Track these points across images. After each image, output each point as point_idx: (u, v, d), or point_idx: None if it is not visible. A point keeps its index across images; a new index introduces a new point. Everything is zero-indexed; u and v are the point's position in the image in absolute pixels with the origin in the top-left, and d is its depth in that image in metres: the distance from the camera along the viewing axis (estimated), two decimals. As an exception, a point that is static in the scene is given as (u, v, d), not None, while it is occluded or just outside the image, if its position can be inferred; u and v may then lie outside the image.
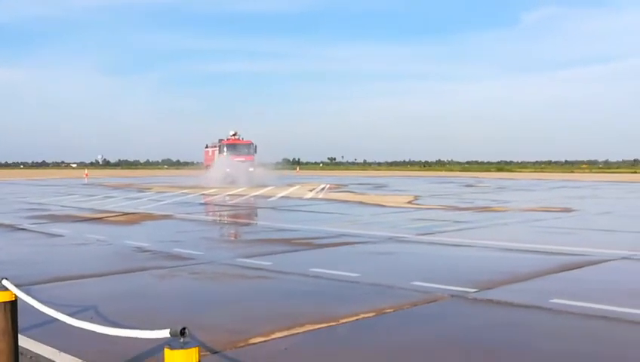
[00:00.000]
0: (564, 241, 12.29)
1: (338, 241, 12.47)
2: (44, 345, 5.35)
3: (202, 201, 26.55)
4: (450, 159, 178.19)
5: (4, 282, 4.41)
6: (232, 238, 14.28)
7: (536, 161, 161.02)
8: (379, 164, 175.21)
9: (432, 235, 13.38)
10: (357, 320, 6.27)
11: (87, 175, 66.19)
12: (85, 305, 6.81)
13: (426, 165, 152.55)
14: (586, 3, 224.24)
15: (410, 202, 24.42)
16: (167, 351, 2.94)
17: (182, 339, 2.95)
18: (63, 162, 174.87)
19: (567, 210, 19.91)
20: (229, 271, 9.17)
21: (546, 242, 12.03)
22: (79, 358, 5.01)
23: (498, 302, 7.04)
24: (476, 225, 15.64)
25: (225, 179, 40.45)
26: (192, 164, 65.38)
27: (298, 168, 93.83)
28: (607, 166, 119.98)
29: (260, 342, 5.49)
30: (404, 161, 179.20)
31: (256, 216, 20.67)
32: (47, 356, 5.10)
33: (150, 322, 5.85)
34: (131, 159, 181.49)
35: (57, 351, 5.20)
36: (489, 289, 7.71)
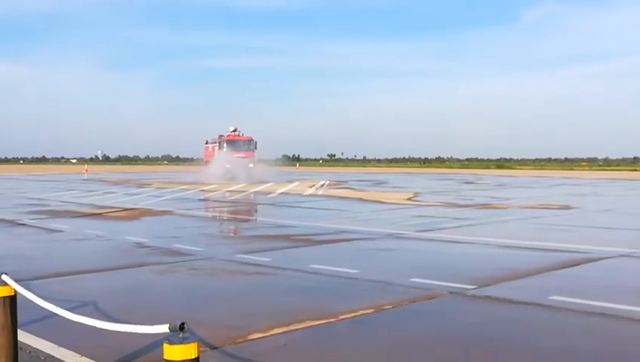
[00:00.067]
0: (564, 239, 12.30)
1: (337, 238, 12.47)
2: (44, 340, 5.35)
3: (202, 197, 26.54)
4: (449, 156, 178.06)
5: (4, 277, 4.41)
6: (232, 234, 14.28)
7: (536, 159, 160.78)
8: (378, 160, 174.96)
9: (432, 232, 13.39)
10: (356, 316, 6.28)
11: (86, 170, 66.17)
12: (85, 300, 6.82)
13: (425, 162, 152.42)
14: (586, 1, 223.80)
15: (409, 199, 24.43)
16: (166, 346, 2.94)
17: (181, 334, 2.95)
18: (62, 157, 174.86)
19: (567, 208, 19.92)
20: (228, 267, 9.17)
21: (546, 239, 12.04)
22: (78, 353, 5.02)
23: (497, 299, 7.04)
24: (476, 222, 15.64)
25: (225, 175, 40.44)
26: (192, 159, 65.41)
27: (298, 164, 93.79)
28: (607, 163, 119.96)
29: (259, 338, 5.49)
30: (403, 157, 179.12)
31: (255, 212, 20.68)
32: (46, 351, 5.10)
33: (149, 317, 5.84)
34: (131, 155, 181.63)
35: (56, 345, 5.21)
36: (488, 286, 7.71)
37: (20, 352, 4.69)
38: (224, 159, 42.72)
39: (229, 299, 7.23)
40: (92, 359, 4.89)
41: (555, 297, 7.00)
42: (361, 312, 6.40)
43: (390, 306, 6.68)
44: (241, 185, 34.35)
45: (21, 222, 15.65)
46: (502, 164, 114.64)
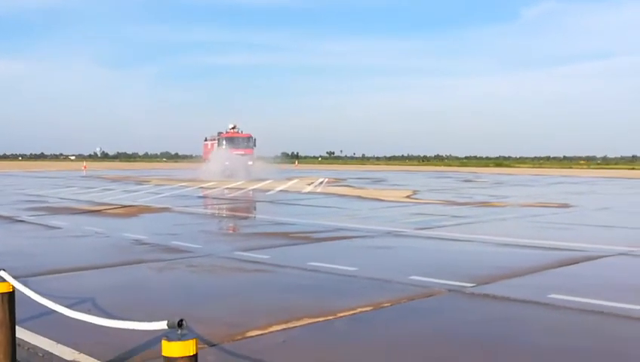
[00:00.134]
0: (562, 237, 12.31)
1: (336, 235, 12.47)
2: (42, 337, 5.35)
3: (200, 194, 26.54)
4: (448, 154, 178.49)
5: (2, 273, 4.41)
6: (230, 231, 14.27)
7: (535, 157, 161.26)
8: (377, 158, 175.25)
9: (431, 230, 13.39)
10: (354, 314, 6.28)
11: (85, 167, 66.12)
12: (83, 297, 6.81)
13: (424, 160, 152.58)
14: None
15: (408, 196, 24.43)
16: (164, 343, 2.94)
17: (179, 331, 2.95)
18: (61, 154, 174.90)
19: (565, 206, 19.93)
20: (226, 265, 9.17)
21: (544, 237, 12.05)
22: (77, 350, 5.01)
23: (495, 297, 7.04)
24: (474, 220, 15.64)
25: (224, 172, 40.42)
26: (191, 157, 65.40)
27: (297, 162, 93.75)
28: (606, 162, 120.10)
29: (257, 335, 5.49)
30: (402, 155, 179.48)
31: (254, 209, 20.67)
32: (44, 347, 5.09)
33: (148, 314, 5.84)
34: (130, 152, 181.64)
35: (54, 342, 5.20)
36: (487, 284, 7.71)
37: (18, 349, 4.69)
38: (223, 156, 42.69)
39: (227, 296, 7.23)
40: (90, 356, 4.88)
41: (553, 295, 7.00)
42: (359, 310, 6.40)
43: (389, 304, 6.68)
44: (240, 183, 34.33)
45: (19, 218, 15.63)
46: (501, 162, 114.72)
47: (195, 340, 2.97)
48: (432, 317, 6.36)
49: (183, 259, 9.54)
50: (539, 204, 20.46)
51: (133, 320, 3.58)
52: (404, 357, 5.06)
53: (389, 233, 12.90)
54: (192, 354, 2.95)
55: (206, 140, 50.71)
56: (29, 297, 4.33)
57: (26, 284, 4.53)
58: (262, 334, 5.53)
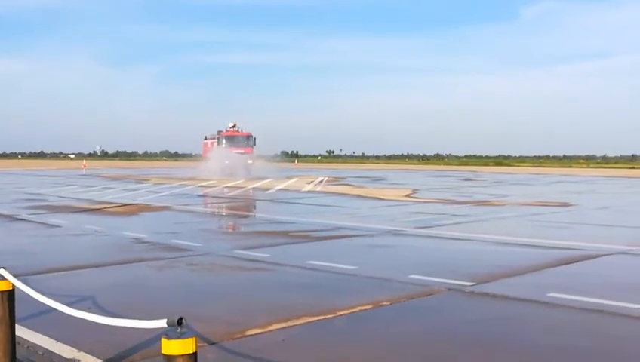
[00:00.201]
0: (562, 236, 12.32)
1: (336, 234, 12.48)
2: (42, 335, 5.35)
3: (200, 193, 26.53)
4: (448, 153, 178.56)
5: (2, 271, 4.41)
6: (230, 230, 14.28)
7: (535, 156, 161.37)
8: (377, 157, 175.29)
9: (430, 229, 13.39)
10: (354, 312, 6.28)
11: (85, 166, 66.08)
12: (83, 295, 6.82)
13: (424, 159, 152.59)
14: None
15: (408, 195, 24.43)
16: (164, 341, 2.95)
17: (179, 329, 2.95)
18: (61, 153, 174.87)
19: (565, 205, 19.93)
20: (226, 263, 9.17)
21: (544, 236, 12.05)
22: (76, 348, 5.02)
23: (495, 296, 7.05)
24: (474, 218, 15.65)
25: (223, 171, 40.37)
26: (191, 155, 65.29)
27: (296, 161, 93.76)
28: (605, 161, 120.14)
29: (257, 334, 5.50)
30: (402, 154, 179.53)
31: (254, 208, 20.68)
32: (44, 346, 5.10)
33: (148, 312, 5.84)
34: (129, 150, 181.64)
35: (54, 340, 5.21)
36: (486, 282, 7.72)
37: (17, 347, 4.70)
38: (223, 155, 42.64)
39: (227, 294, 7.24)
40: (90, 354, 4.89)
41: (553, 294, 7.01)
42: (359, 308, 6.41)
43: (388, 302, 6.69)
44: (240, 181, 34.33)
45: (20, 217, 15.63)
46: (500, 161, 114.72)
47: (194, 338, 2.97)
48: (432, 315, 6.37)
49: (183, 258, 9.55)
50: (538, 203, 20.47)
51: (133, 319, 3.58)
52: (403, 355, 5.06)
53: (388, 232, 12.90)
54: (191, 352, 2.95)
55: (206, 139, 50.65)
56: (29, 295, 4.33)
57: (26, 282, 4.53)
58: (261, 332, 5.53)
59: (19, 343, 4.87)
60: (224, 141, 44.34)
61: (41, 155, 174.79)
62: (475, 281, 7.74)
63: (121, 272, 8.55)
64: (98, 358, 4.80)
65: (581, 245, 10.90)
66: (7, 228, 13.60)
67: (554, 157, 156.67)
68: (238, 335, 5.43)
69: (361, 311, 6.34)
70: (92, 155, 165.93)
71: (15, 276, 4.47)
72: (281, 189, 28.27)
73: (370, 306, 6.51)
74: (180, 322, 2.96)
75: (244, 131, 46.25)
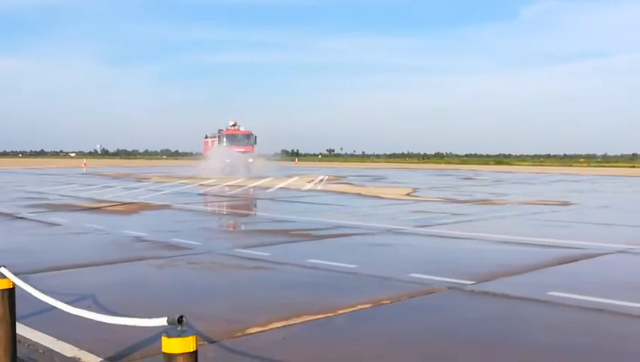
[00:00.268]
0: (562, 234, 12.32)
1: (336, 233, 12.48)
2: (42, 333, 5.36)
3: (201, 192, 26.53)
4: (448, 152, 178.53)
5: (2, 270, 4.41)
6: (231, 229, 14.28)
7: (535, 155, 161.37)
8: (377, 156, 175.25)
9: (430, 227, 13.40)
10: (354, 311, 6.29)
11: (85, 164, 66.10)
12: (83, 293, 6.82)
13: (424, 157, 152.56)
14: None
15: (408, 194, 24.44)
16: (164, 339, 2.95)
17: (179, 328, 2.95)
18: (61, 151, 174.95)
19: (565, 204, 19.93)
20: (226, 262, 9.18)
21: (544, 235, 12.05)
22: (77, 346, 5.03)
23: (495, 295, 7.05)
24: (474, 217, 15.65)
25: (224, 169, 40.35)
26: (191, 154, 65.23)
27: (297, 159, 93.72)
28: (606, 160, 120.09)
29: (257, 332, 5.50)
30: (402, 153, 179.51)
31: (254, 206, 20.68)
32: (45, 344, 5.11)
33: (148, 311, 5.85)
34: (130, 149, 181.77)
35: (55, 339, 5.22)
36: (486, 281, 7.72)
37: (18, 345, 4.70)
38: (224, 153, 42.59)
39: (227, 293, 7.24)
40: (91, 352, 4.90)
41: (553, 293, 7.01)
42: (359, 307, 6.42)
43: (388, 301, 6.69)
44: (240, 180, 34.33)
45: (20, 215, 15.64)
46: (501, 160, 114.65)
47: (195, 336, 2.98)
48: (432, 314, 6.37)
49: (184, 256, 9.55)
50: (539, 202, 20.47)
51: (134, 317, 3.59)
52: (403, 354, 5.07)
53: (388, 230, 12.91)
54: (191, 350, 2.96)
55: (206, 137, 50.62)
56: (30, 294, 4.33)
57: (26, 281, 4.53)
58: (262, 331, 5.54)
59: (19, 341, 4.88)
60: (225, 140, 44.28)
61: (41, 154, 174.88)
62: (476, 280, 7.74)
63: (121, 271, 8.56)
64: (99, 356, 4.81)
65: (581, 244, 10.91)
66: (7, 227, 13.60)
67: (554, 156, 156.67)
68: (239, 334, 5.44)
69: (361, 309, 6.35)
70: (92, 154, 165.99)
71: (16, 274, 4.47)
72: (281, 188, 28.28)
73: (371, 305, 6.51)
74: (180, 320, 2.96)
75: (244, 130, 46.22)
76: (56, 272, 8.29)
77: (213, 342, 5.19)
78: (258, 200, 22.48)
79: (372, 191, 26.00)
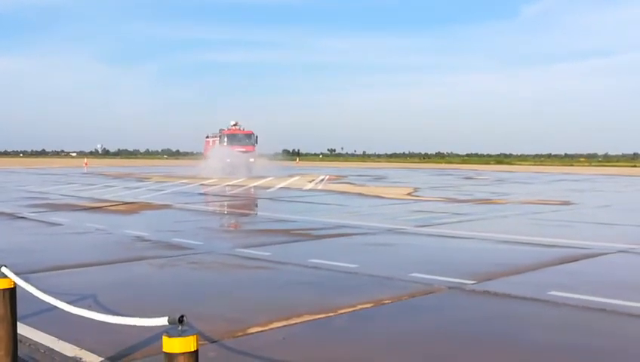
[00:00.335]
0: (563, 234, 12.31)
1: (337, 232, 12.48)
2: (43, 333, 5.36)
3: (201, 191, 26.54)
4: (449, 151, 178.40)
5: (3, 269, 4.42)
6: (231, 228, 14.28)
7: (536, 154, 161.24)
8: (378, 155, 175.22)
9: (431, 227, 13.40)
10: (355, 310, 6.29)
11: (86, 164, 66.17)
12: (84, 293, 6.83)
13: (425, 157, 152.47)
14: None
15: (409, 194, 24.43)
16: (165, 339, 2.95)
17: (180, 327, 2.96)
18: (62, 151, 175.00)
19: (566, 203, 19.92)
20: (227, 261, 9.18)
21: (545, 235, 12.05)
22: (78, 346, 5.03)
23: (496, 294, 7.05)
24: (475, 217, 15.65)
25: (225, 169, 40.32)
26: (192, 154, 65.25)
27: (298, 159, 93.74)
28: (607, 159, 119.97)
29: (258, 332, 5.51)
30: (403, 153, 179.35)
31: (255, 206, 20.68)
32: (45, 344, 5.11)
33: (149, 310, 5.85)
34: (131, 149, 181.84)
35: (56, 338, 5.22)
36: (487, 281, 7.72)
37: (19, 345, 4.71)
38: (224, 153, 42.57)
39: (228, 292, 7.25)
40: (92, 352, 4.90)
41: (553, 292, 7.01)
42: (360, 307, 6.42)
43: (389, 301, 6.69)
44: (241, 180, 34.33)
45: (21, 215, 15.65)
46: (502, 159, 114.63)
47: (195, 336, 2.98)
48: (433, 314, 6.37)
49: (184, 256, 9.56)
50: (540, 202, 20.46)
51: (135, 317, 3.59)
52: (404, 353, 5.07)
53: (389, 230, 12.91)
54: (192, 350, 2.96)
55: (207, 137, 50.63)
56: (31, 293, 4.34)
57: (27, 280, 4.54)
58: (262, 331, 5.54)
59: (20, 341, 4.89)
60: (226, 139, 44.26)
61: (42, 154, 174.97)
62: (476, 280, 7.74)
63: (122, 270, 8.56)
64: (100, 356, 4.82)
65: (582, 243, 10.90)
66: (8, 226, 13.62)
67: (555, 156, 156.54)
68: (239, 334, 5.44)
69: (362, 309, 6.35)
70: (93, 154, 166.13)
71: (17, 274, 4.48)
72: (282, 188, 28.28)
73: (371, 304, 6.52)
74: (181, 320, 2.96)
75: (245, 129, 46.21)
76: (57, 272, 8.30)
77: (214, 341, 5.19)
78: (259, 200, 22.48)
79: (373, 191, 26.00)
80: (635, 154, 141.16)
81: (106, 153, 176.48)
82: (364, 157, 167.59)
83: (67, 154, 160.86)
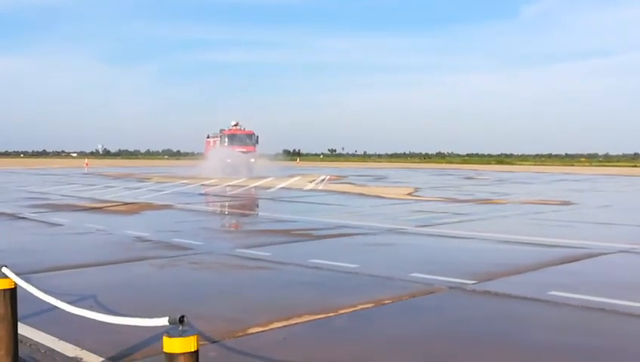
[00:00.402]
0: (563, 234, 12.31)
1: (337, 232, 12.49)
2: (44, 333, 5.37)
3: (202, 192, 26.55)
4: (450, 151, 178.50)
5: (4, 269, 4.42)
6: (232, 229, 14.29)
7: (537, 154, 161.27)
8: (379, 155, 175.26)
9: (432, 227, 13.40)
10: (355, 310, 6.29)
11: (87, 164, 66.19)
12: (85, 293, 6.83)
13: (426, 157, 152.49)
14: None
15: (409, 194, 24.43)
16: (166, 339, 2.95)
17: (180, 327, 2.96)
18: (63, 151, 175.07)
19: (567, 203, 19.92)
20: (228, 262, 9.19)
21: (545, 235, 12.05)
22: (78, 346, 5.03)
23: (496, 294, 7.05)
24: (475, 217, 15.65)
25: (225, 169, 40.32)
26: (193, 154, 65.23)
27: (298, 159, 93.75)
28: (608, 159, 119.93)
29: (258, 332, 5.51)
30: (404, 153, 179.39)
31: (256, 206, 20.68)
32: (46, 344, 5.11)
33: (149, 311, 5.85)
34: (131, 149, 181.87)
35: (57, 339, 5.22)
36: (487, 281, 7.72)
37: (20, 345, 4.71)
38: (225, 153, 42.54)
39: (228, 293, 7.25)
40: (92, 352, 4.91)
41: (554, 292, 7.01)
42: (360, 307, 6.42)
43: (390, 301, 6.70)
44: (242, 180, 34.33)
45: (22, 215, 15.66)
46: (502, 159, 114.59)
47: (196, 336, 2.98)
48: (433, 314, 6.37)
49: (185, 256, 9.56)
50: (540, 202, 20.46)
51: (135, 317, 3.60)
52: (404, 353, 5.07)
53: (390, 230, 12.91)
54: (192, 350, 2.96)
55: (208, 137, 50.60)
56: (31, 294, 4.34)
57: (28, 281, 4.54)
58: (263, 331, 5.54)
59: (21, 341, 4.89)
60: (226, 139, 44.24)
61: (43, 154, 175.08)
62: (477, 280, 7.74)
63: (122, 271, 8.57)
64: (100, 356, 4.82)
65: (583, 243, 10.90)
66: (9, 227, 13.62)
67: (556, 156, 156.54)
68: (240, 334, 5.44)
69: (362, 309, 6.35)
70: (94, 154, 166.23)
71: (17, 274, 4.48)
72: (283, 188, 28.28)
73: (372, 304, 6.52)
74: (181, 320, 2.97)
75: (246, 130, 46.19)
76: (57, 272, 8.31)
77: (215, 341, 5.20)
78: (259, 200, 22.48)
79: (373, 191, 26.00)
80: (635, 154, 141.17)
81: (107, 153, 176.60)
82: (365, 157, 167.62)
83: (68, 155, 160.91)
